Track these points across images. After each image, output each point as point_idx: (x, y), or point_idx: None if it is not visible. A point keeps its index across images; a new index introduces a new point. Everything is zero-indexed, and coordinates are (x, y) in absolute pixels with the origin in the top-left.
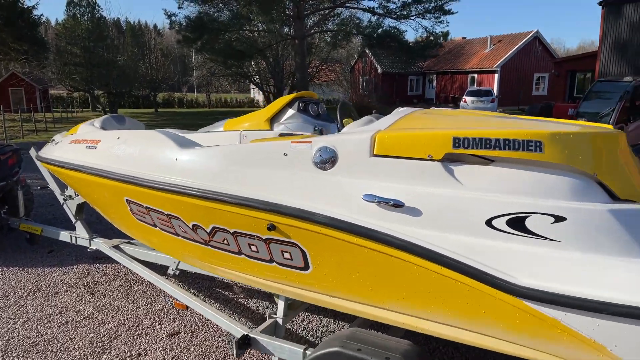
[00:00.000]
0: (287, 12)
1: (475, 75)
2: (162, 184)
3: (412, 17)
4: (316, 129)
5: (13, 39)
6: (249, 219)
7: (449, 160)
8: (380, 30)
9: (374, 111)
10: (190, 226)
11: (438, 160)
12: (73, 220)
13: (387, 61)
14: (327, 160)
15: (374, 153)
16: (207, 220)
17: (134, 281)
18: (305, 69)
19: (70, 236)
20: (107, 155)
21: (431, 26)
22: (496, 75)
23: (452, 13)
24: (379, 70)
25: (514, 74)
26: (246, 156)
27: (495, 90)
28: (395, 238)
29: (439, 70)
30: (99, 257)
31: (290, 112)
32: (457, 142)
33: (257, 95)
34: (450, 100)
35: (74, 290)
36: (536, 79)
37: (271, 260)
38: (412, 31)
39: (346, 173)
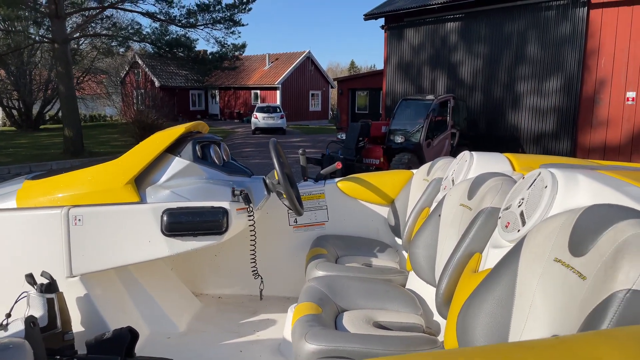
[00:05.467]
0: (41, 9)
1: (259, 92)
2: None
3: (200, 27)
4: (236, 193)
5: None
6: None
7: None
8: (167, 37)
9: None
10: None
11: None
12: None
13: (165, 74)
14: None
15: None
16: None
17: None
18: (70, 79)
19: None
20: None
21: (222, 37)
22: (278, 92)
23: (243, 25)
24: (157, 84)
25: (293, 91)
26: None
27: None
28: None
29: (222, 86)
30: None
31: (179, 162)
32: None
33: None
34: (236, 116)
35: None
36: (311, 95)
37: None
38: (203, 42)
39: None
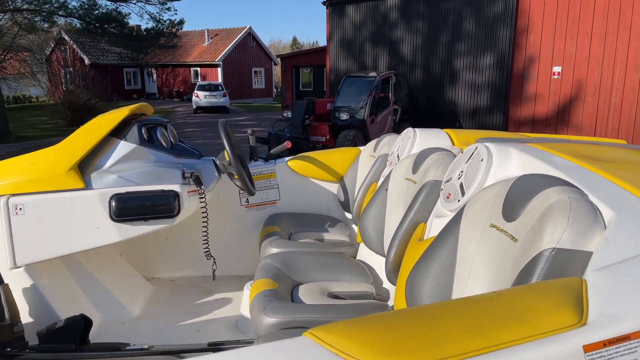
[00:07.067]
0: None
1: (199, 69)
2: None
3: (132, 1)
4: (186, 175)
5: None
6: None
7: None
8: (96, 12)
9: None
10: None
11: None
12: None
13: (95, 51)
14: None
15: None
16: None
17: None
18: None
19: None
20: None
21: (157, 12)
22: (219, 69)
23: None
24: (87, 62)
25: (235, 68)
26: None
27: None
28: None
29: (159, 63)
30: None
31: (125, 146)
32: None
33: None
34: (175, 94)
35: None
36: (254, 72)
37: None
38: (136, 17)
39: None
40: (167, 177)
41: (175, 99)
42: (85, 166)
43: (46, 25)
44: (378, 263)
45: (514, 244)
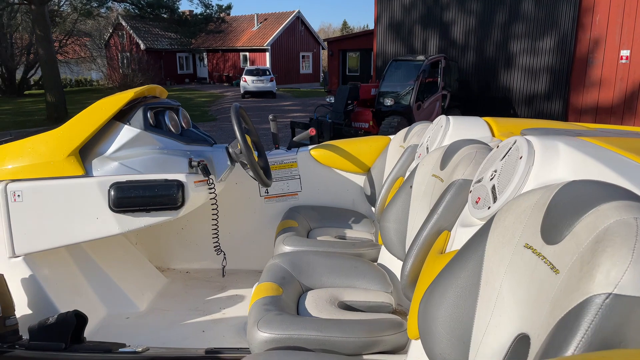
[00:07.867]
0: None
1: (248, 54)
2: None
3: None
4: (193, 164)
5: None
6: None
7: None
8: None
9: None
10: None
11: None
12: None
13: (150, 36)
14: None
15: None
16: None
17: None
18: (50, 43)
19: None
20: None
21: None
22: (267, 54)
23: None
24: (142, 47)
25: (283, 53)
26: None
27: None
28: None
29: (209, 48)
30: None
31: (129, 131)
32: None
33: None
34: (225, 79)
35: None
36: (302, 57)
37: None
38: (186, 2)
39: None
40: (172, 166)
41: (225, 84)
42: (86, 152)
43: (103, 10)
44: (400, 269)
45: (555, 276)
